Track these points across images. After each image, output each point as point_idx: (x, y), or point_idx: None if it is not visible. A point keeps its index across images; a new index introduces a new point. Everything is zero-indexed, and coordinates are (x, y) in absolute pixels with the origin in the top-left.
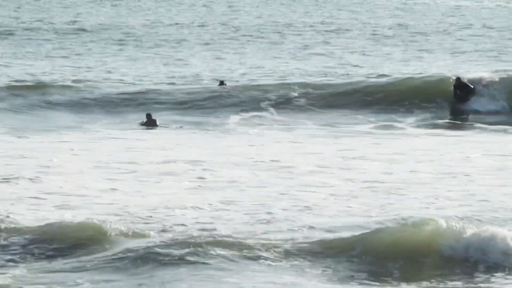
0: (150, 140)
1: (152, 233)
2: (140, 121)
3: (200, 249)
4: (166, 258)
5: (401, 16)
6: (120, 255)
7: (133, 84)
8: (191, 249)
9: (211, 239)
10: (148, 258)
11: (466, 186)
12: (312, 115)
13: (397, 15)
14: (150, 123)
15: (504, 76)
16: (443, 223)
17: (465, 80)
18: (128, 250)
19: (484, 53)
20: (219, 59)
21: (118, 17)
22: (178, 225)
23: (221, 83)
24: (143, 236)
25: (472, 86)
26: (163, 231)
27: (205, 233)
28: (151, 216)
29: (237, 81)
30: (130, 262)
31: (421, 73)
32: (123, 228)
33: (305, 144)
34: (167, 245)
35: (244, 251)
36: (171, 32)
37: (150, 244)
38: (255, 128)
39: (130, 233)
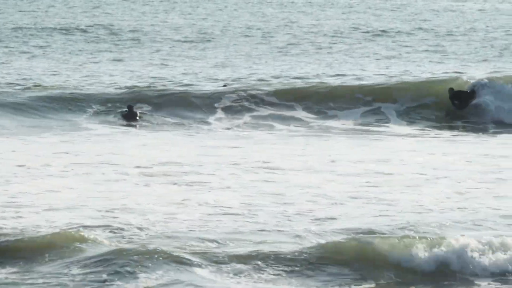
0: (133, 140)
1: (130, 235)
2: (121, 110)
3: (180, 251)
4: (143, 258)
5: (390, 17)
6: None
7: (118, 84)
8: (171, 250)
9: (193, 242)
10: (125, 258)
11: (447, 190)
12: (298, 116)
13: (384, 15)
14: (130, 116)
15: (498, 76)
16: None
17: (463, 87)
18: (104, 253)
19: (473, 54)
20: (199, 60)
21: (104, 17)
22: (158, 228)
23: (224, 85)
24: (121, 238)
25: (468, 91)
26: (142, 234)
27: (188, 235)
28: (132, 219)
29: (222, 81)
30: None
31: (406, 74)
32: (103, 233)
33: (291, 145)
34: (146, 249)
35: (222, 257)
36: (156, 32)
37: (128, 246)
38: (240, 129)
39: (108, 238)
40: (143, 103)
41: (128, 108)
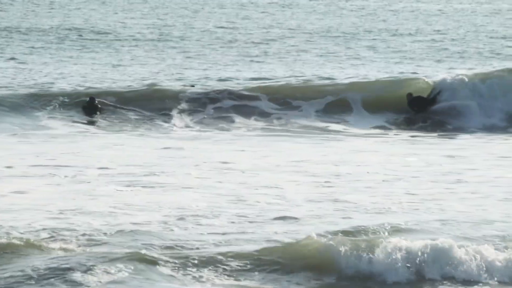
0: (93, 141)
1: (90, 236)
2: (83, 100)
3: (140, 250)
4: (104, 257)
5: (351, 17)
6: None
7: (78, 83)
8: (131, 250)
9: (153, 242)
10: (86, 256)
11: (409, 191)
12: (258, 117)
13: (345, 15)
14: (91, 108)
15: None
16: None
17: (428, 87)
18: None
19: (435, 54)
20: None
21: (64, 17)
22: (119, 229)
23: (192, 85)
24: (81, 237)
25: (427, 97)
26: (103, 235)
27: (149, 236)
28: (92, 220)
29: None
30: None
31: (368, 74)
32: (64, 234)
33: (252, 146)
34: (107, 249)
35: (183, 257)
36: (117, 32)
37: (88, 246)
38: (203, 127)
39: (69, 238)
40: (106, 96)
41: (90, 99)
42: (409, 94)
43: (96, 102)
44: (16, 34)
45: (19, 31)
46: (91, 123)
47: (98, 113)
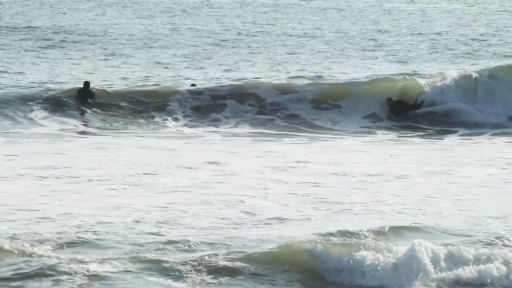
0: (82, 141)
1: (78, 236)
2: (78, 88)
3: (128, 250)
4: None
5: (343, 18)
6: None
7: (68, 82)
8: (122, 250)
9: (142, 242)
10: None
11: (401, 193)
12: (250, 119)
13: (336, 15)
14: (85, 93)
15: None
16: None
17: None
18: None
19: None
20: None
21: (51, 17)
22: (108, 230)
23: (193, 85)
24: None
25: (414, 102)
26: (93, 236)
27: (136, 238)
28: (81, 222)
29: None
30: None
31: (360, 74)
32: (50, 235)
33: (241, 146)
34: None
35: (172, 259)
36: (106, 33)
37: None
38: (192, 128)
39: (58, 236)
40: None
41: (84, 84)
42: (389, 99)
43: (91, 87)
44: (3, 33)
45: (8, 30)
46: (82, 116)
47: (92, 99)
